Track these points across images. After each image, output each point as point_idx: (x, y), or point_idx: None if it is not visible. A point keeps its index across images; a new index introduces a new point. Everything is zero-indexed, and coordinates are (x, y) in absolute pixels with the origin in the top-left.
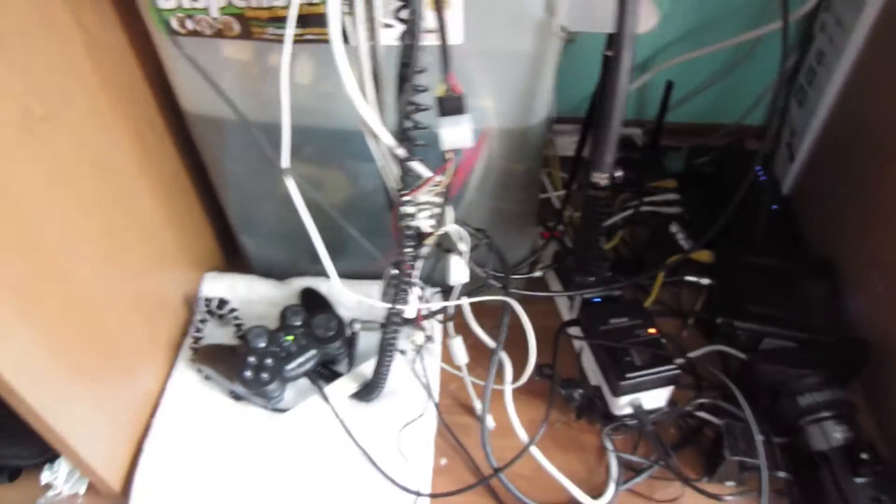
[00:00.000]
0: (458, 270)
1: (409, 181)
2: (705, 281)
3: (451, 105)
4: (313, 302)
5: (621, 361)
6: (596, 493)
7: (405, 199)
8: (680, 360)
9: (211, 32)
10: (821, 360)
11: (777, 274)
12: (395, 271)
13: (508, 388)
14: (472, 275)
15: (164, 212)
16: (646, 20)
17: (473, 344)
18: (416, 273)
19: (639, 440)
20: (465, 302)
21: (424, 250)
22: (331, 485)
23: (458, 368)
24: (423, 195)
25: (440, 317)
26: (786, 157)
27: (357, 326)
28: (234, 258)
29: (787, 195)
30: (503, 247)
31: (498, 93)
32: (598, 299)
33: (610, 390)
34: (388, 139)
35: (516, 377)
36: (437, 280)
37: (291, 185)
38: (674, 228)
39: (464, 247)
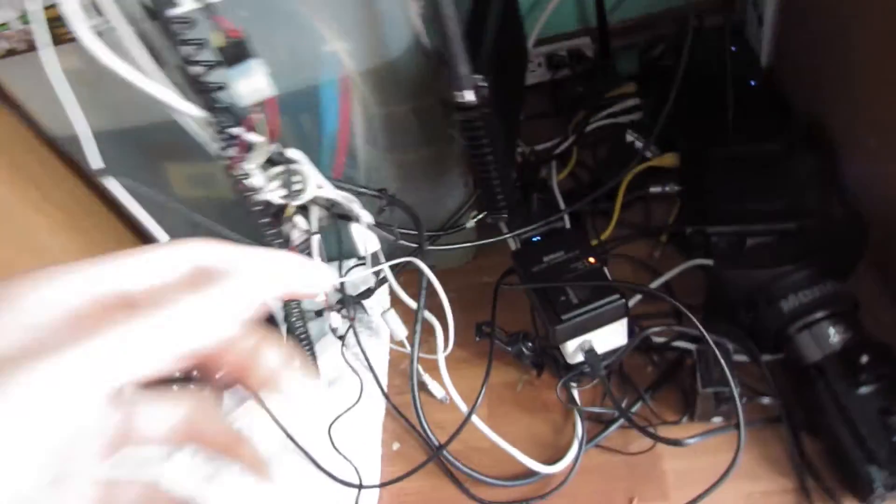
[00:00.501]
0: (363, 239)
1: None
2: (673, 188)
3: (233, 53)
4: None
5: (556, 302)
6: (561, 455)
7: (238, 171)
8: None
9: (26, 46)
10: (807, 251)
11: (757, 160)
12: None
13: (441, 357)
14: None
15: (75, 245)
16: None
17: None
18: (313, 252)
19: (607, 388)
20: (357, 276)
21: (292, 226)
22: (277, 487)
23: (402, 344)
24: (254, 161)
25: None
26: (756, 24)
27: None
28: None
29: (767, 66)
30: (428, 201)
31: (342, 31)
32: (538, 237)
33: (551, 336)
34: (185, 107)
35: (447, 342)
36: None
37: (114, 186)
38: (630, 136)
39: (360, 211)
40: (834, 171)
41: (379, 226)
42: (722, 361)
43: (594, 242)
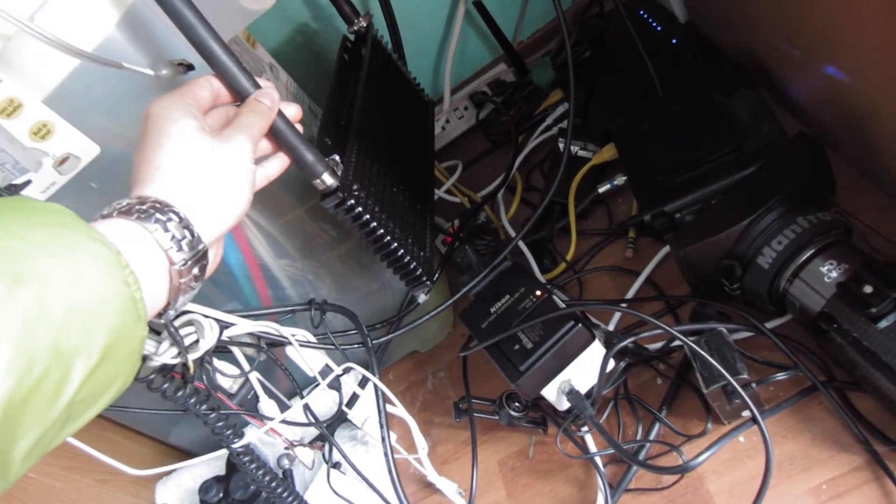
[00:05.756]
0: (305, 360)
1: None
2: (621, 180)
3: None
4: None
5: (511, 354)
6: None
7: None
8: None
9: None
10: (766, 191)
11: (694, 117)
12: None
13: (423, 456)
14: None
15: None
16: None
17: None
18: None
19: (599, 429)
20: (302, 403)
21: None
22: None
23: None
24: None
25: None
26: None
27: (285, 462)
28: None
29: (685, 21)
30: (371, 291)
31: None
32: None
33: (520, 393)
34: None
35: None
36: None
37: None
38: (561, 144)
39: (289, 333)
40: (771, 100)
41: (319, 339)
42: (706, 356)
43: (561, 266)
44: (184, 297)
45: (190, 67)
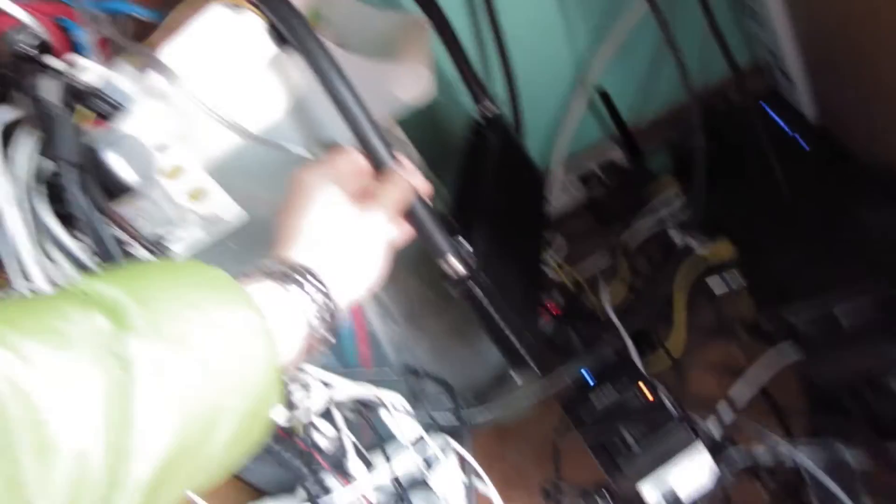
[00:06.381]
0: (398, 426)
1: None
2: (735, 278)
3: None
4: None
5: (612, 448)
6: None
7: None
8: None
9: None
10: None
11: (823, 222)
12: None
13: None
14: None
15: None
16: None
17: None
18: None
19: None
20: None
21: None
22: None
23: None
24: None
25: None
26: (787, 86)
27: None
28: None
29: (817, 125)
30: (467, 363)
31: None
32: (593, 381)
33: (620, 492)
34: None
35: None
36: None
37: None
38: (674, 235)
39: (388, 398)
40: None
41: (415, 408)
42: (826, 481)
43: (663, 357)
44: (307, 360)
45: None
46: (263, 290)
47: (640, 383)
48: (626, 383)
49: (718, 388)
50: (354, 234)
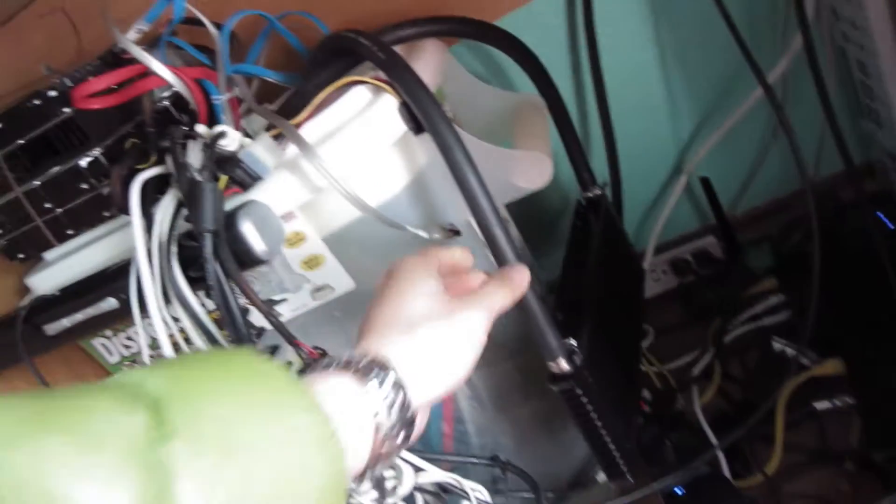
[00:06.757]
0: None
1: None
2: (845, 401)
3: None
4: None
5: None
6: None
7: None
8: None
9: None
10: None
11: None
12: None
13: None
14: None
15: None
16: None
17: None
18: None
19: None
20: None
21: None
22: None
23: None
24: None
25: None
26: None
27: None
28: None
29: None
30: (550, 455)
31: None
32: (681, 490)
33: None
34: None
35: None
36: None
37: None
38: (777, 343)
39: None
40: None
41: (494, 498)
42: None
43: (758, 478)
44: (383, 464)
45: (457, 233)
46: (333, 389)
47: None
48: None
49: None
50: (446, 331)
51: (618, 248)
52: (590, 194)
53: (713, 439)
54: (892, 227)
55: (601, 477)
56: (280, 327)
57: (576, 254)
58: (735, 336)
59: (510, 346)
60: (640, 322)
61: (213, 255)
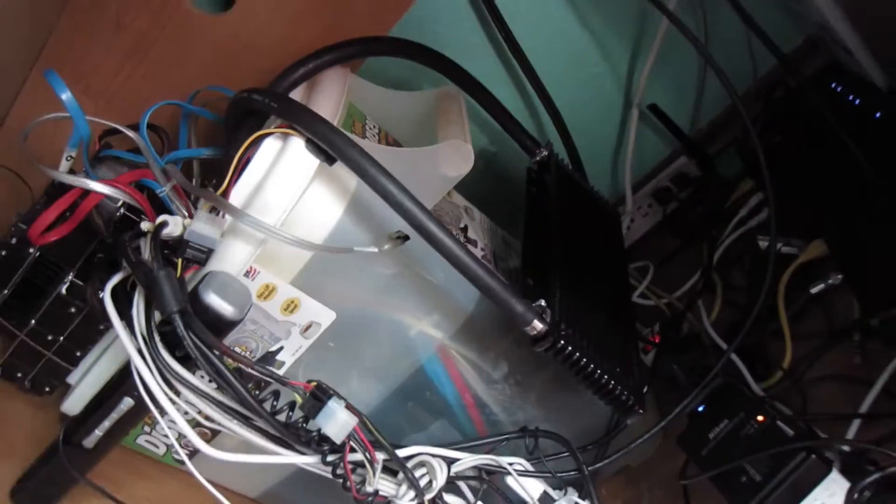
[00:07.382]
0: (523, 489)
1: None
2: (836, 278)
3: (312, 404)
4: None
5: (736, 486)
6: None
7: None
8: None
9: None
10: None
11: None
12: None
13: None
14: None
15: None
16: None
17: None
18: None
19: None
20: None
21: None
22: None
23: None
24: (374, 480)
25: None
26: (846, 57)
27: None
28: None
29: (887, 89)
30: (579, 412)
31: (419, 312)
32: (702, 408)
33: None
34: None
35: None
36: None
37: None
38: (761, 241)
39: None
40: None
41: (535, 465)
42: None
43: (778, 375)
44: None
45: (406, 238)
46: None
47: (759, 412)
48: (744, 417)
49: (843, 397)
50: None
51: (579, 199)
52: (537, 157)
53: (728, 350)
54: (850, 97)
55: (631, 421)
56: (269, 374)
57: (536, 218)
58: (729, 245)
59: (502, 325)
60: (625, 262)
61: (187, 330)
